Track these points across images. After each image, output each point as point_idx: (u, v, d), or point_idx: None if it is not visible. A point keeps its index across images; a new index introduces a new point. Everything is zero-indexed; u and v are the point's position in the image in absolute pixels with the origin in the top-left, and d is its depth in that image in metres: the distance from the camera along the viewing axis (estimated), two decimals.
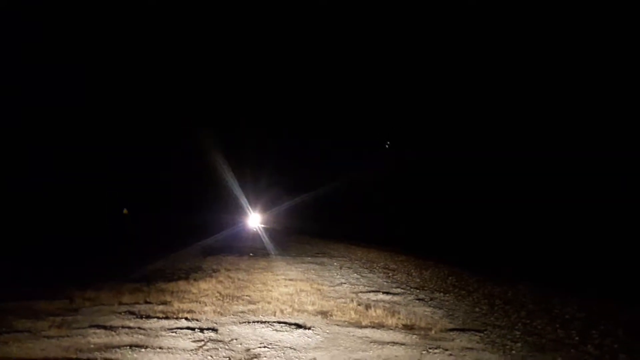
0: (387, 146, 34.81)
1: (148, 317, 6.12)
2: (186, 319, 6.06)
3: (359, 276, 10.31)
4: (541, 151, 19.06)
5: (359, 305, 7.11)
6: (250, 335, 5.44)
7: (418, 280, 10.12)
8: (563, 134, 18.88)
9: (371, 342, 5.29)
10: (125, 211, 23.56)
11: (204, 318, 6.15)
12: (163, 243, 17.17)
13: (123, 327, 5.63)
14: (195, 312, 6.46)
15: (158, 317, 6.10)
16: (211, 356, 4.71)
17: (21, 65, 18.86)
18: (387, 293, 8.25)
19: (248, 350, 4.93)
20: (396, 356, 4.89)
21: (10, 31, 18.32)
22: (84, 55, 23.28)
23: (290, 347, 5.05)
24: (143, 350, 4.82)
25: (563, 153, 18.01)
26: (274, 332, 5.57)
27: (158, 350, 4.83)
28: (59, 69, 20.57)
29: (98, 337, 5.21)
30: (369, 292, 8.39)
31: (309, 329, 5.75)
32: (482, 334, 5.77)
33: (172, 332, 5.42)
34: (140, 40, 27.04)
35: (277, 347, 5.05)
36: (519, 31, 21.98)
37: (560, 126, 19.23)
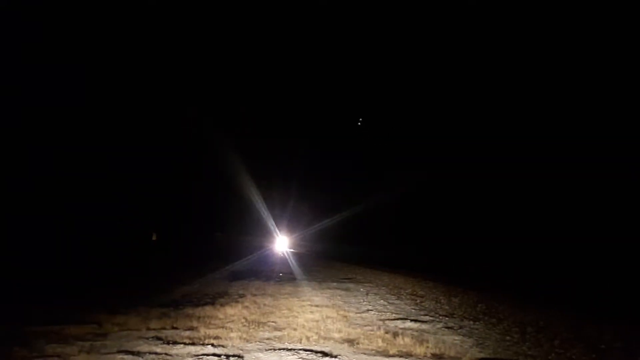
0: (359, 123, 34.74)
1: (175, 343, 6.15)
2: (212, 345, 6.06)
3: (386, 303, 10.17)
4: (564, 159, 18.72)
5: (386, 333, 6.99)
6: None
7: (447, 307, 9.91)
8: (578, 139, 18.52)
9: None
10: (153, 237, 23.90)
11: (230, 344, 6.14)
12: (190, 267, 17.31)
13: (150, 352, 5.66)
14: (221, 338, 6.46)
15: (185, 343, 6.12)
16: None
17: (21, 66, 19.26)
18: (415, 321, 8.10)
19: None
20: None
21: (10, 31, 18.76)
22: (110, 65, 23.75)
23: None
24: None
25: (583, 161, 17.65)
26: (300, 359, 5.51)
27: None
28: (67, 71, 20.92)
29: None
30: (397, 319, 8.25)
31: (335, 357, 5.67)
32: None
33: (199, 359, 5.42)
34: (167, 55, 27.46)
35: None
36: (519, 31, 21.84)
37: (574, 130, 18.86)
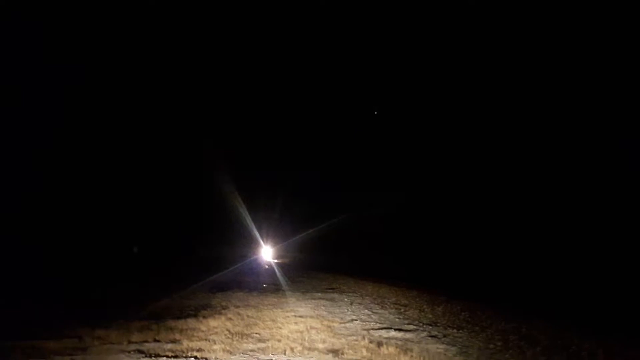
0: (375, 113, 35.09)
1: (157, 356, 6.06)
2: (195, 357, 5.99)
3: (370, 312, 10.16)
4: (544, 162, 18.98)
5: (371, 342, 6.99)
6: None
7: (430, 316, 9.94)
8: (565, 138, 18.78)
9: None
10: (134, 249, 23.50)
11: (214, 357, 6.08)
12: (172, 279, 17.09)
13: None
14: (204, 350, 6.39)
15: (167, 356, 6.04)
16: None
17: (21, 66, 19.07)
18: (400, 330, 8.11)
19: None
20: None
21: (10, 31, 18.58)
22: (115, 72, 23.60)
23: None
24: None
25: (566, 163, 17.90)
26: None
27: None
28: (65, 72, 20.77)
29: None
30: (381, 329, 8.26)
31: None
32: None
33: None
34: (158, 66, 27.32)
35: None
36: (519, 30, 22.18)
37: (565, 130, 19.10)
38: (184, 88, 30.91)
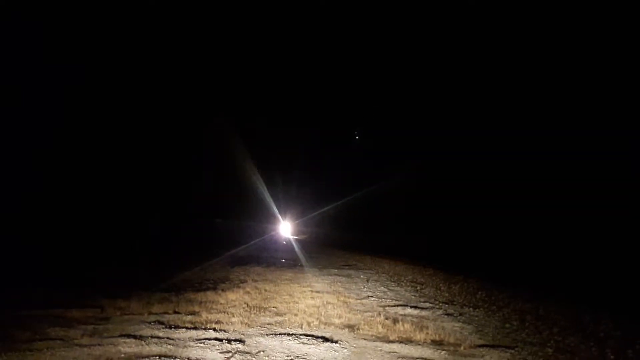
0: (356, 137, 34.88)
1: (177, 327, 6.20)
2: (214, 329, 6.11)
3: (386, 289, 10.22)
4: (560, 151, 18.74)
5: (387, 319, 7.04)
6: (277, 347, 5.45)
7: (447, 294, 9.96)
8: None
9: (399, 358, 5.23)
10: (151, 227, 23.91)
11: (232, 329, 6.19)
12: (191, 253, 17.37)
13: (152, 337, 5.71)
14: (223, 322, 6.51)
15: (187, 328, 6.17)
16: None
17: (21, 66, 19.26)
18: (415, 307, 8.15)
19: None
20: None
21: (10, 31, 18.73)
22: (102, 59, 23.71)
23: None
24: None
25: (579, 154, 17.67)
26: (301, 344, 5.56)
27: None
28: (63, 69, 20.93)
29: (128, 347, 5.30)
30: (397, 305, 8.31)
31: (336, 342, 5.72)
32: (512, 351, 5.63)
33: (200, 343, 5.47)
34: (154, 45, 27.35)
35: None
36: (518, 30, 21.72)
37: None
38: (190, 75, 30.87)
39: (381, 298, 9.08)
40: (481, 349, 5.67)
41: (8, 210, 17.05)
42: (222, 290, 9.28)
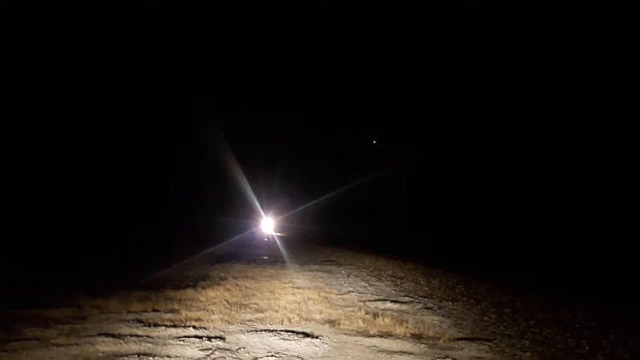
0: (374, 142, 35.15)
1: (156, 325, 6.14)
2: (194, 327, 6.07)
3: (366, 284, 10.28)
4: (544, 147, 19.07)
5: (367, 313, 7.08)
6: (257, 344, 5.44)
7: (426, 288, 10.07)
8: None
9: (379, 352, 5.27)
10: (133, 223, 23.58)
11: (212, 326, 6.16)
12: (171, 250, 17.20)
13: (131, 335, 5.65)
14: (202, 320, 6.47)
15: (166, 326, 6.11)
16: None
17: (21, 66, 19.02)
18: (395, 302, 8.21)
19: (255, 359, 4.93)
20: None
21: (10, 31, 18.50)
22: (93, 57, 23.42)
23: (297, 357, 5.04)
24: (151, 358, 4.83)
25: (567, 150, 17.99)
26: (282, 340, 5.56)
27: (166, 358, 4.84)
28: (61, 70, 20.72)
29: (106, 346, 5.23)
30: (377, 300, 8.36)
31: (317, 337, 5.74)
32: (491, 344, 5.72)
33: (180, 341, 5.43)
34: (144, 42, 27.05)
35: (284, 356, 5.04)
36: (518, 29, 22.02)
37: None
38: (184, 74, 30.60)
39: (362, 293, 9.13)
40: (460, 342, 5.75)
41: (8, 211, 16.82)
42: (202, 287, 9.21)
